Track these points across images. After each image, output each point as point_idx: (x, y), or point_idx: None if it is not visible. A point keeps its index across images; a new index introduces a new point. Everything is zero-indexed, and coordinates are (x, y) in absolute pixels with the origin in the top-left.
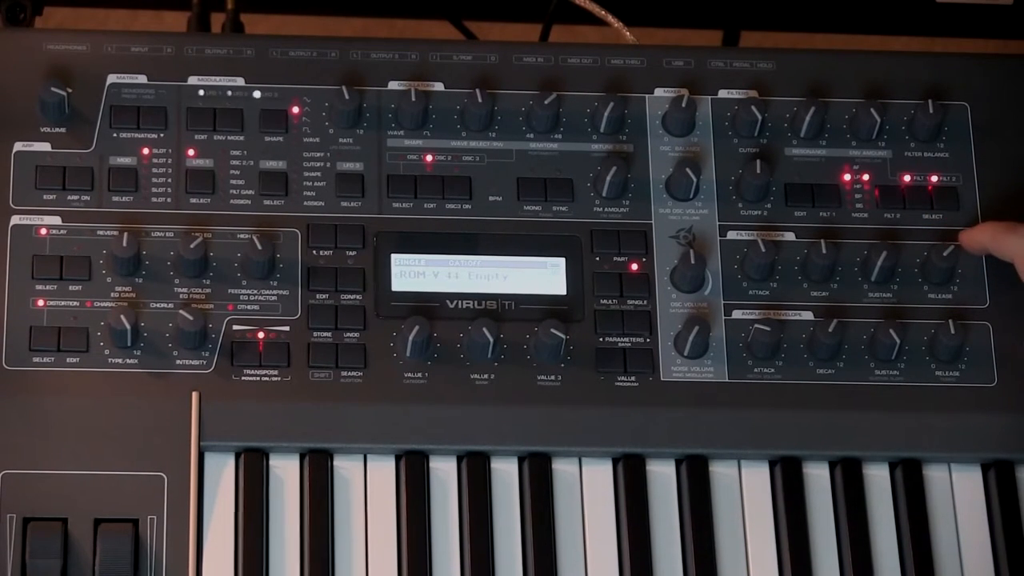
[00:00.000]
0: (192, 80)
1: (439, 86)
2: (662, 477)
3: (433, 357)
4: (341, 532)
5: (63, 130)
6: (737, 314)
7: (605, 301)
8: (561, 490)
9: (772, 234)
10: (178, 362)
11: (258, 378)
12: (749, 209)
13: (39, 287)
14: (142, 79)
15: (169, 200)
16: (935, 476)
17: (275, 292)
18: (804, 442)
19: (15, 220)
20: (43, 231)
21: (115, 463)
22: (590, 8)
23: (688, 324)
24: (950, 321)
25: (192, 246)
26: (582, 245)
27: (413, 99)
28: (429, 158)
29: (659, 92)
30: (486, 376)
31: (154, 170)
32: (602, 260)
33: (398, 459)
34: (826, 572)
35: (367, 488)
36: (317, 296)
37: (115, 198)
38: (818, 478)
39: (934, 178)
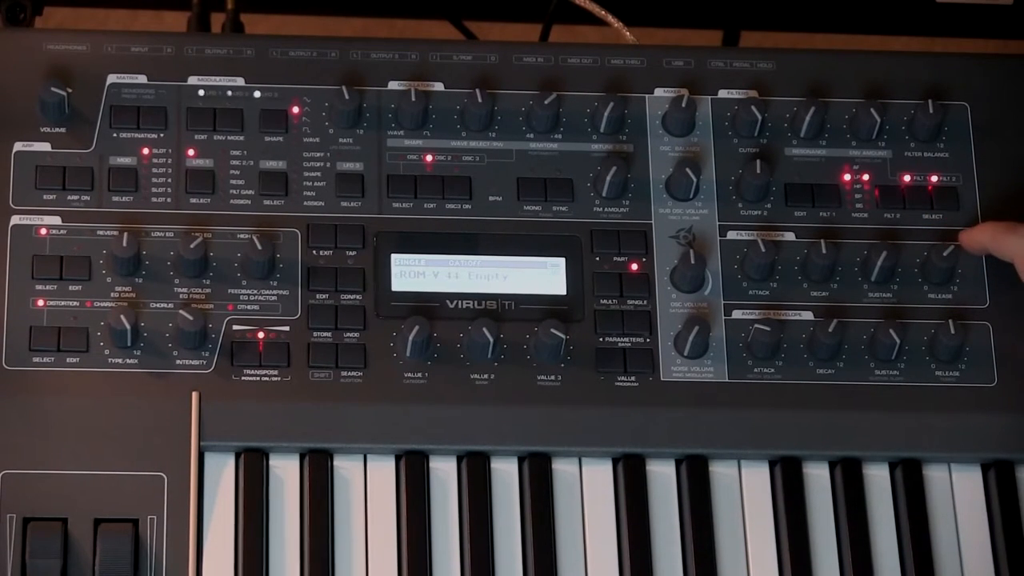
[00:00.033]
0: (192, 80)
1: (439, 86)
2: (662, 477)
3: (433, 357)
4: (341, 532)
5: (63, 130)
6: (737, 314)
7: (605, 301)
8: (561, 490)
9: (772, 234)
10: (178, 362)
11: (258, 378)
12: (749, 209)
13: (39, 287)
14: (142, 79)
15: (169, 200)
16: (935, 476)
17: (275, 292)
18: (804, 442)
19: (15, 220)
20: (43, 231)
21: (115, 463)
22: (590, 8)
23: (688, 324)
24: (950, 321)
25: (192, 246)
26: (582, 245)
27: (413, 99)
28: (429, 158)
29: (659, 92)
30: (486, 376)
31: (154, 170)
32: (602, 260)
33: (398, 459)
34: (826, 572)
35: (367, 488)
36: (317, 296)
37: (115, 198)
38: (818, 478)
39: (934, 178)
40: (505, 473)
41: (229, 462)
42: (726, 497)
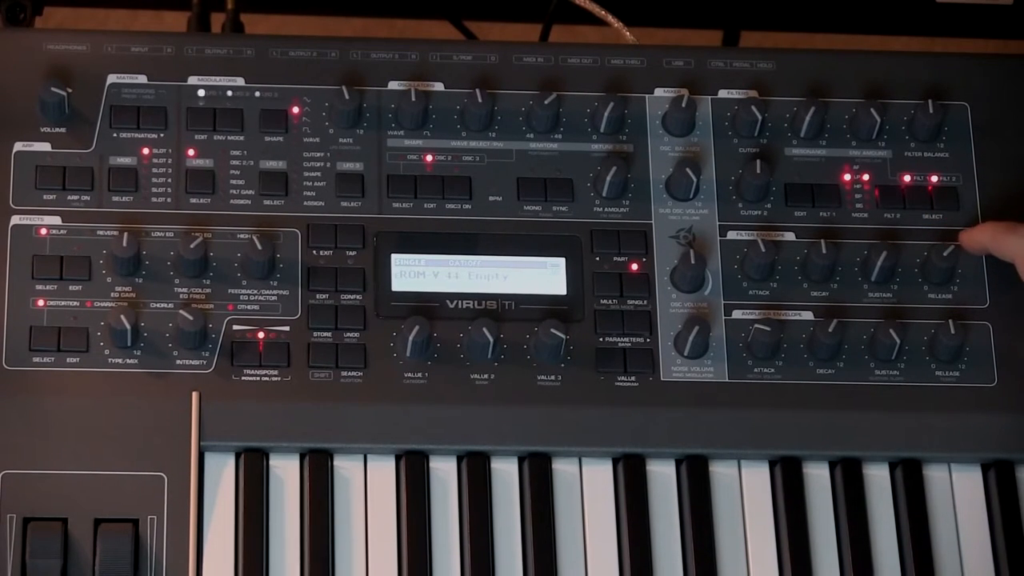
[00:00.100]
0: (192, 80)
1: (439, 86)
2: (662, 477)
3: (433, 357)
4: (341, 532)
5: (63, 130)
6: (737, 314)
7: (605, 301)
8: (561, 490)
9: (772, 234)
10: (178, 362)
11: (258, 378)
12: (749, 209)
13: (39, 287)
14: (142, 79)
15: (169, 200)
16: (935, 476)
17: (275, 292)
18: (804, 442)
19: (15, 220)
20: (43, 231)
21: (115, 463)
22: (590, 8)
23: (688, 324)
24: (950, 321)
25: (192, 246)
26: (582, 245)
27: (413, 99)
28: (429, 158)
29: (659, 92)
30: (486, 376)
31: (154, 170)
32: (602, 260)
33: (398, 459)
34: (826, 572)
35: (367, 488)
36: (317, 296)
37: (115, 198)
38: (818, 478)
39: (934, 178)
40: (505, 473)
41: (229, 462)
42: (726, 497)
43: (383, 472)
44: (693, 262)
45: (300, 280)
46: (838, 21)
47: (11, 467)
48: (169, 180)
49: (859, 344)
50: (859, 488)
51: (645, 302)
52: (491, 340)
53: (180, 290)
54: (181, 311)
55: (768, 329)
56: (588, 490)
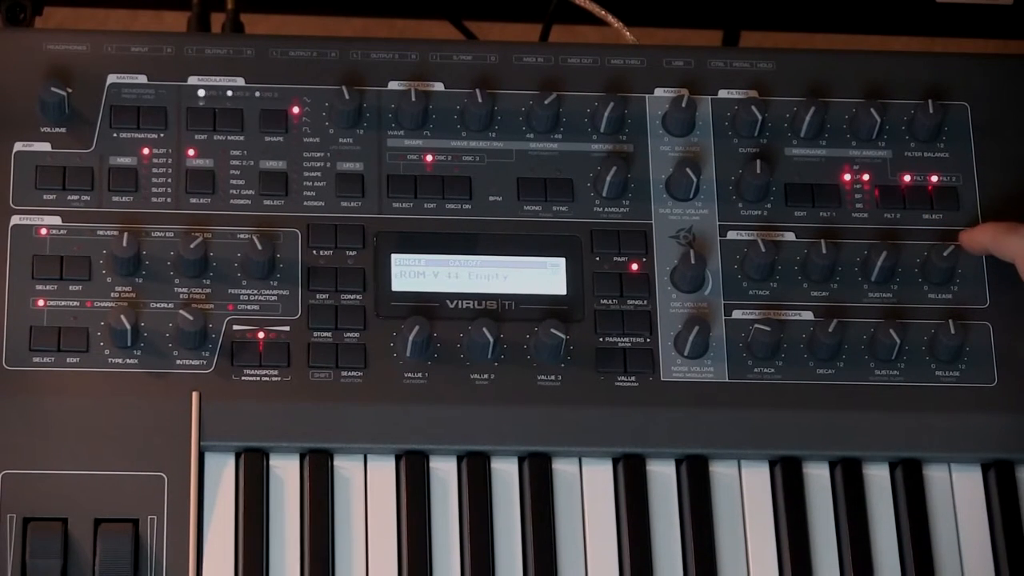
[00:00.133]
0: (192, 80)
1: (439, 86)
2: (662, 477)
3: (433, 357)
4: (341, 532)
5: (63, 130)
6: (737, 314)
7: (605, 301)
8: (561, 490)
9: (772, 234)
10: (178, 362)
11: (258, 378)
12: (749, 209)
13: (39, 287)
14: (142, 79)
15: (169, 200)
16: (935, 476)
17: (275, 292)
18: (804, 442)
19: (15, 220)
20: (43, 231)
21: (115, 463)
22: (590, 8)
23: (688, 324)
24: (950, 321)
25: (192, 246)
26: (582, 245)
27: (413, 99)
28: (429, 158)
29: (659, 92)
30: (486, 376)
31: (154, 170)
32: (602, 260)
33: (398, 459)
34: (826, 572)
35: (367, 488)
36: (317, 296)
37: (115, 198)
38: (818, 478)
39: (934, 178)
40: (505, 473)
41: (229, 462)
42: (726, 497)
43: (383, 472)
44: (693, 262)
45: (300, 280)
46: (838, 21)
47: (11, 467)
48: (169, 180)
49: (859, 344)
50: (859, 488)
51: (645, 302)
52: (491, 340)
53: (180, 290)
54: (181, 311)
55: (768, 329)
56: (588, 490)
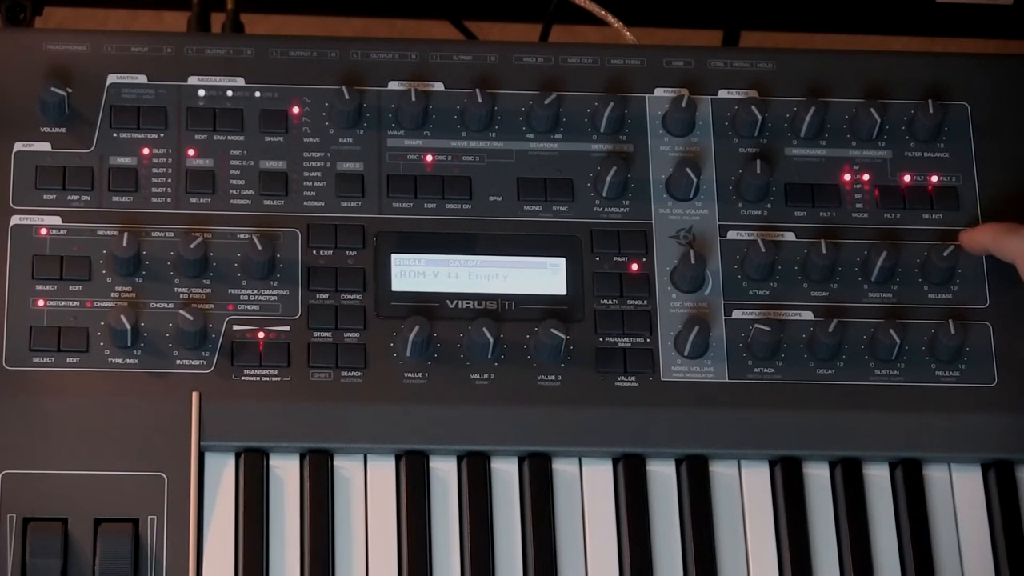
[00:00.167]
0: (192, 80)
1: (439, 86)
2: (662, 477)
3: (433, 357)
4: (341, 532)
5: (63, 130)
6: (737, 314)
7: (605, 301)
8: (561, 490)
9: (772, 234)
10: (178, 362)
11: (258, 378)
12: (749, 209)
13: (39, 287)
14: (142, 79)
15: (169, 200)
16: (935, 476)
17: (275, 292)
18: (804, 442)
19: (15, 220)
20: (43, 231)
21: (115, 463)
22: (590, 8)
23: (688, 324)
24: (950, 321)
25: (192, 246)
26: (582, 245)
27: (413, 99)
28: (429, 158)
29: (659, 92)
30: (486, 376)
31: (154, 170)
32: (602, 260)
33: (398, 459)
34: (826, 572)
35: (367, 488)
36: (317, 296)
37: (115, 198)
38: (818, 478)
39: (934, 178)
40: (505, 473)
41: (229, 462)
42: (726, 497)
43: (383, 472)
44: (693, 262)
45: (300, 280)
46: (838, 21)
47: (11, 467)
48: (169, 180)
49: (859, 344)
50: (859, 488)
51: (645, 302)
52: (491, 340)
53: (180, 290)
54: (181, 311)
55: (768, 329)
56: (588, 490)
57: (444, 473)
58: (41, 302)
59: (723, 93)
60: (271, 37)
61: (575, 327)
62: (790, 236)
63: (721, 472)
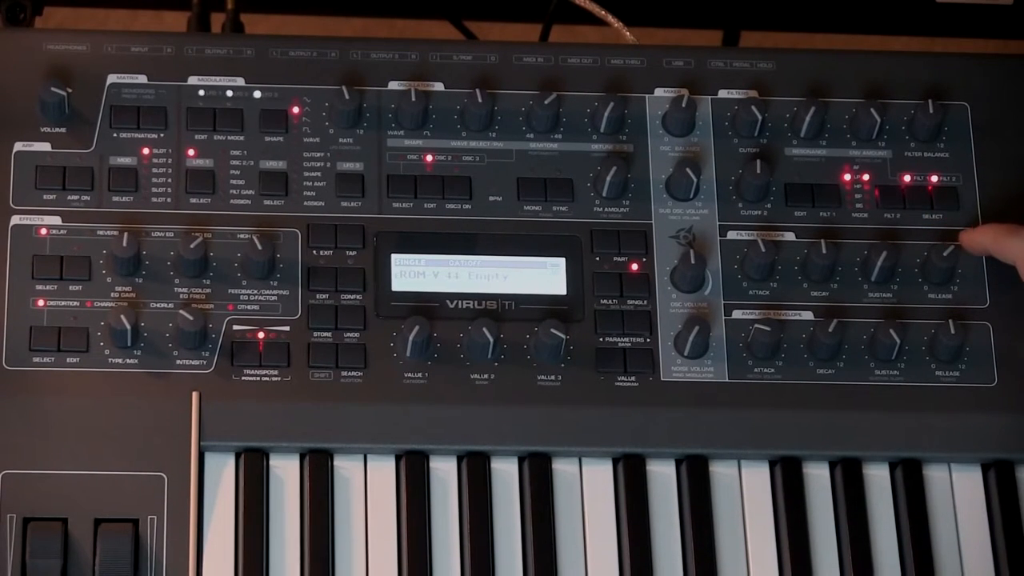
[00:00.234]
0: (192, 80)
1: (439, 86)
2: (662, 477)
3: (433, 357)
4: (341, 532)
5: (63, 130)
6: (737, 314)
7: (605, 301)
8: (561, 490)
9: (772, 234)
10: (178, 362)
11: (258, 378)
12: (749, 209)
13: (39, 287)
14: (142, 79)
15: (169, 200)
16: (935, 476)
17: (275, 292)
18: (804, 442)
19: (15, 220)
20: (43, 231)
21: (115, 463)
22: (590, 8)
23: (688, 324)
24: (950, 321)
25: (192, 246)
26: (582, 245)
27: (413, 99)
28: (429, 158)
29: (659, 92)
30: (486, 376)
31: (154, 170)
32: (602, 260)
33: (398, 459)
34: (826, 572)
35: (367, 488)
36: (317, 296)
37: (115, 198)
38: (818, 478)
39: (934, 178)
40: (505, 473)
41: (229, 462)
42: (726, 497)
43: (383, 472)
44: (693, 262)
45: (300, 280)
46: (838, 21)
47: (11, 467)
48: (169, 180)
49: (859, 344)
50: (859, 488)
51: (645, 302)
52: (491, 340)
53: (180, 290)
54: (181, 311)
55: (768, 329)
56: (588, 490)
57: (444, 473)
58: (41, 302)
59: (723, 93)
60: (271, 37)
61: (575, 327)
62: (790, 236)
63: (721, 472)
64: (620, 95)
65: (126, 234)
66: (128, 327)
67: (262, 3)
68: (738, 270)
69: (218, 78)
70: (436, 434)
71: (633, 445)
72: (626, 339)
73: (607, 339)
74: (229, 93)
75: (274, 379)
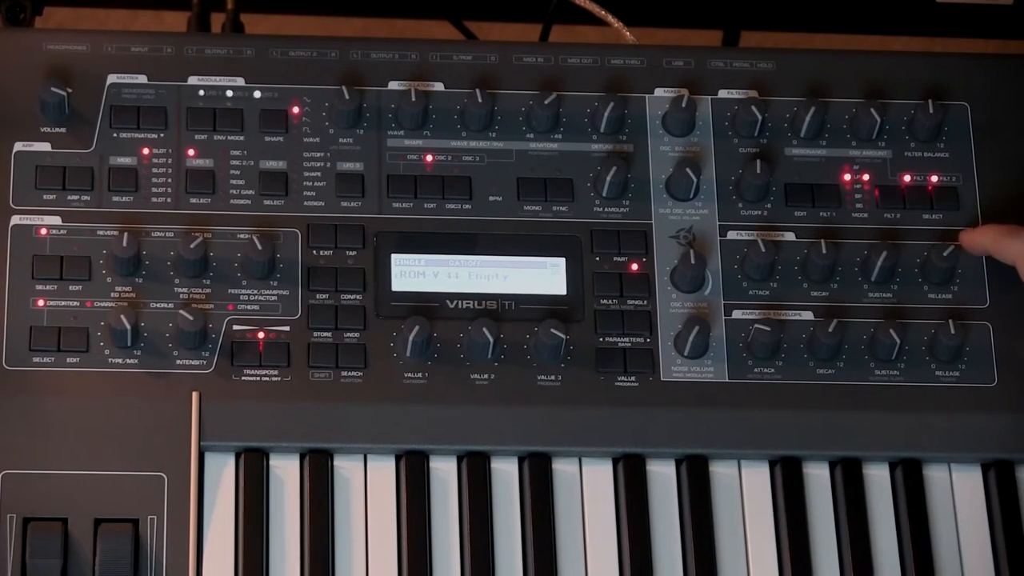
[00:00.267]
0: (192, 80)
1: (439, 86)
2: (662, 477)
3: (433, 357)
4: (341, 532)
5: (63, 130)
6: (737, 314)
7: (605, 301)
8: (561, 490)
9: (772, 234)
10: (178, 362)
11: (258, 378)
12: (749, 209)
13: (39, 287)
14: (142, 79)
15: (169, 200)
16: (935, 476)
17: (275, 292)
18: (804, 442)
19: (15, 220)
20: (43, 231)
21: (115, 463)
22: (590, 8)
23: (688, 324)
24: (950, 321)
25: (192, 246)
26: (582, 245)
27: (413, 99)
28: (429, 158)
29: (659, 92)
30: (486, 376)
31: (154, 170)
32: (602, 260)
33: (398, 459)
34: (826, 572)
35: (367, 488)
36: (317, 296)
37: (115, 198)
38: (818, 478)
39: (934, 178)
40: (505, 473)
41: (229, 462)
42: (726, 497)
43: (383, 472)
44: (693, 262)
45: (300, 280)
46: (838, 21)
47: (11, 467)
48: (169, 180)
49: (859, 344)
50: (859, 488)
51: (645, 302)
52: (491, 340)
53: (180, 290)
54: (181, 311)
55: (768, 329)
56: (588, 490)
57: (444, 473)
58: (41, 302)
59: (723, 93)
60: (271, 37)
61: (575, 327)
62: (790, 236)
63: (721, 472)
64: (620, 95)
65: (126, 234)
66: (128, 327)
67: (262, 3)
68: (738, 270)
69: (218, 78)
70: (436, 434)
71: (633, 445)
72: (626, 339)
73: (607, 339)
74: (229, 93)
75: (274, 379)
